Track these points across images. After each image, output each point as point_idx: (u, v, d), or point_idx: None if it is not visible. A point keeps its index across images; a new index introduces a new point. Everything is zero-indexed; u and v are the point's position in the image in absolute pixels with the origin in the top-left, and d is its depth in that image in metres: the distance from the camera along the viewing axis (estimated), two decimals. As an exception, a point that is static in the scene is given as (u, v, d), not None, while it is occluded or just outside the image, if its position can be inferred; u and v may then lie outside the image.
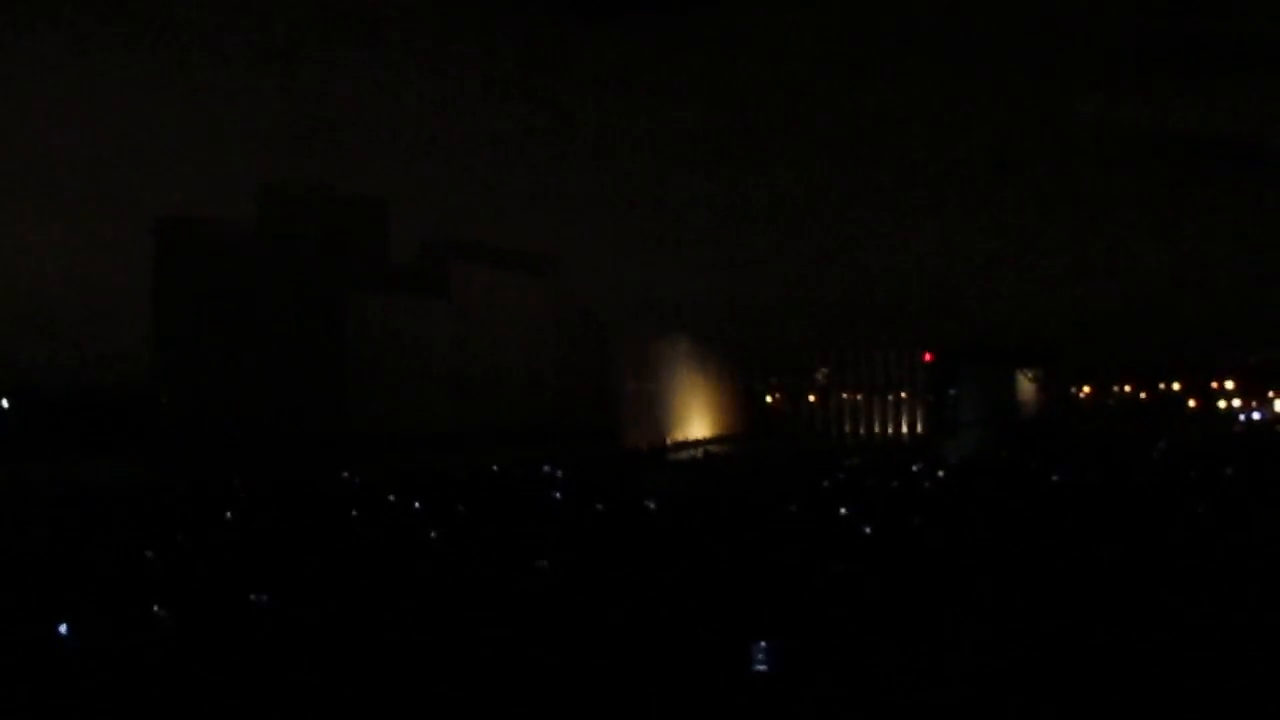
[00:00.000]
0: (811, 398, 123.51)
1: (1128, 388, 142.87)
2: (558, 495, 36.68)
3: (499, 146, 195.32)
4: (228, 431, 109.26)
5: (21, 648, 15.89)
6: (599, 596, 18.55)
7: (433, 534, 26.84)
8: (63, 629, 16.85)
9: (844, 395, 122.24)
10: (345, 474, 46.59)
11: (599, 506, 32.37)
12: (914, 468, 48.16)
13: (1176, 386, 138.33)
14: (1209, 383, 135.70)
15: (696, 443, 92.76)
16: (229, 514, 32.11)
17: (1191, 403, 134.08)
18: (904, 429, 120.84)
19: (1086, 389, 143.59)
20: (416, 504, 34.15)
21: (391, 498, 37.45)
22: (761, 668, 12.87)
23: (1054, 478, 39.86)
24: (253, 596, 19.06)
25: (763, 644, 12.93)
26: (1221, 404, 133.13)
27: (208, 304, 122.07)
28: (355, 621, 17.62)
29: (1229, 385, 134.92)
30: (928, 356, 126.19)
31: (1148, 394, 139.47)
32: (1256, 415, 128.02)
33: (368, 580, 20.86)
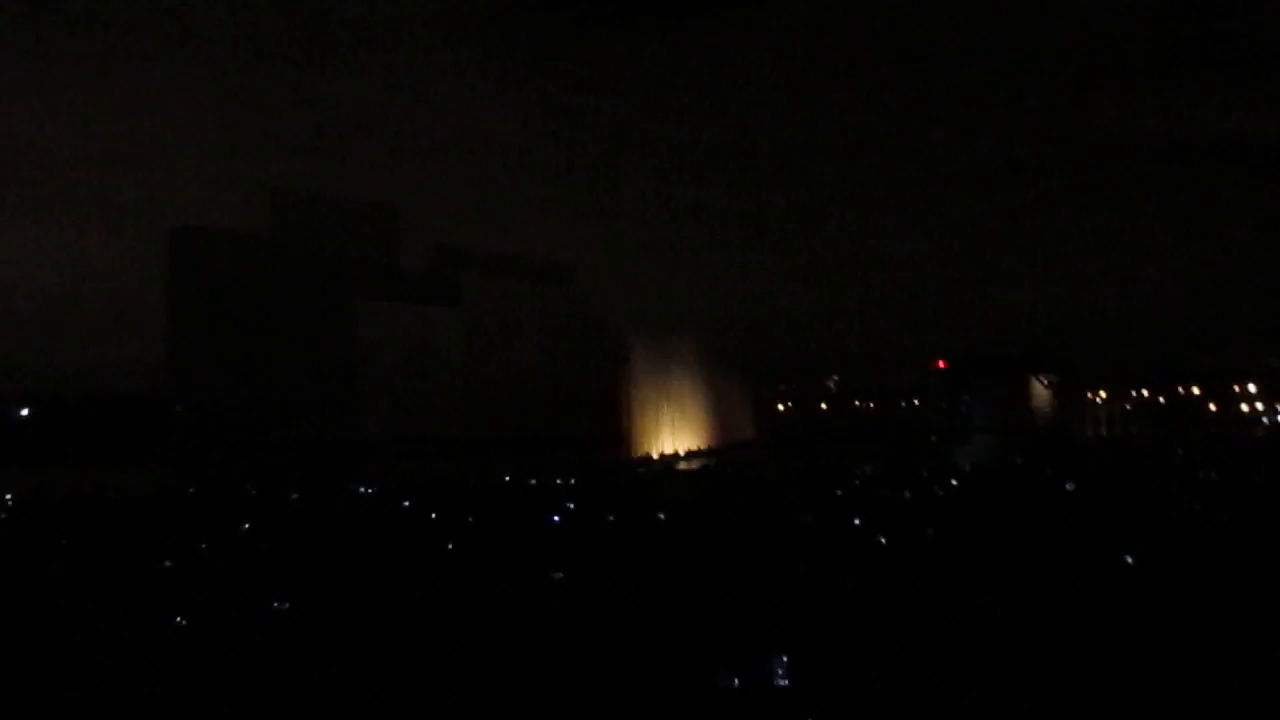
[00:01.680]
0: (824, 405, 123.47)
1: (1145, 392, 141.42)
2: (570, 505, 36.83)
3: (511, 154, 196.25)
4: (241, 439, 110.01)
5: (48, 659, 16.09)
6: (614, 608, 18.67)
7: (450, 545, 27.03)
8: (88, 639, 17.07)
9: (856, 403, 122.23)
10: (361, 487, 46.88)
11: (611, 517, 32.48)
12: (925, 473, 48.11)
13: (1196, 390, 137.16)
14: (1229, 386, 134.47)
15: (708, 451, 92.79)
16: (246, 523, 32.35)
17: (1212, 406, 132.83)
18: (917, 435, 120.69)
19: (1103, 394, 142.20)
20: (433, 514, 34.37)
21: (406, 504, 37.78)
22: (782, 682, 12.95)
23: (1067, 486, 39.72)
24: (275, 604, 19.29)
25: (784, 658, 13.02)
26: (1244, 407, 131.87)
27: (221, 313, 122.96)
28: (375, 631, 17.79)
29: (1251, 388, 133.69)
30: (940, 363, 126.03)
31: (1165, 398, 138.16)
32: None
33: (387, 590, 21.04)
